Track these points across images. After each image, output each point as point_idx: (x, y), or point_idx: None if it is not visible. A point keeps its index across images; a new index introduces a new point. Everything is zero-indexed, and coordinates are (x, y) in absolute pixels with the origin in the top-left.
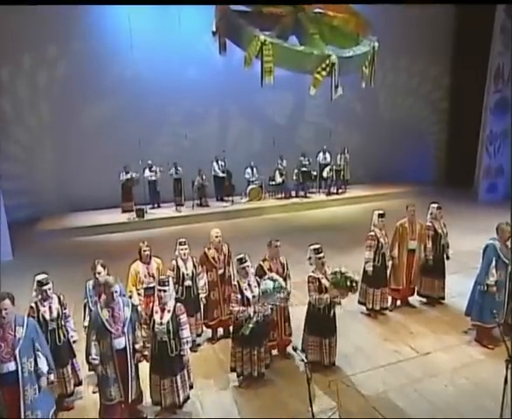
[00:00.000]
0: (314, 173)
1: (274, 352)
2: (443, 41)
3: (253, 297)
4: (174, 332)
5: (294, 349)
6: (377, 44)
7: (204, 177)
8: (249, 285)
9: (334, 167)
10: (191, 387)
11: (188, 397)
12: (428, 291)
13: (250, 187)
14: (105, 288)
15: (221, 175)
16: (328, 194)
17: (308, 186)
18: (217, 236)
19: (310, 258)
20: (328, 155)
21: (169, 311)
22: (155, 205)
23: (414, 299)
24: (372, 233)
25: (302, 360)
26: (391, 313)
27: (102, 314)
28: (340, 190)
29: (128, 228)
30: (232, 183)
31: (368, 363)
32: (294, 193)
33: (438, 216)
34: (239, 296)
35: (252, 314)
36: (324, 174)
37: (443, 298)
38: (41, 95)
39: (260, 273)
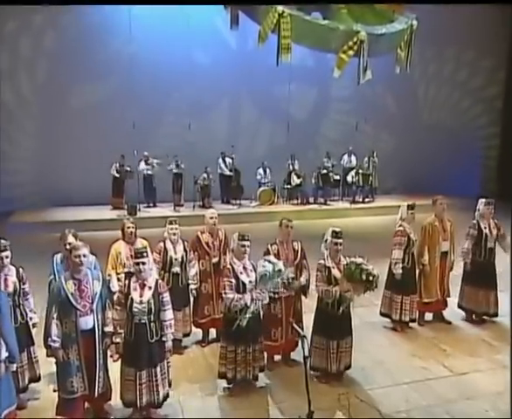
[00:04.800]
0: (337, 177)
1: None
2: (499, 28)
3: (250, 282)
4: (155, 313)
5: (291, 323)
6: (415, 23)
7: (206, 174)
8: (244, 268)
9: (360, 171)
10: (170, 384)
11: (167, 395)
12: (472, 305)
13: (261, 189)
14: (70, 253)
15: (228, 173)
16: (353, 202)
17: (329, 192)
18: (212, 218)
19: (326, 241)
20: (353, 158)
21: (150, 287)
22: (151, 204)
23: (450, 314)
24: (401, 228)
25: (299, 334)
26: (421, 328)
27: (67, 287)
28: (366, 199)
29: (117, 226)
30: (241, 184)
31: (388, 378)
32: (311, 199)
33: (486, 213)
34: (234, 281)
35: (249, 303)
36: (349, 178)
37: (494, 315)
38: (23, 70)
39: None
